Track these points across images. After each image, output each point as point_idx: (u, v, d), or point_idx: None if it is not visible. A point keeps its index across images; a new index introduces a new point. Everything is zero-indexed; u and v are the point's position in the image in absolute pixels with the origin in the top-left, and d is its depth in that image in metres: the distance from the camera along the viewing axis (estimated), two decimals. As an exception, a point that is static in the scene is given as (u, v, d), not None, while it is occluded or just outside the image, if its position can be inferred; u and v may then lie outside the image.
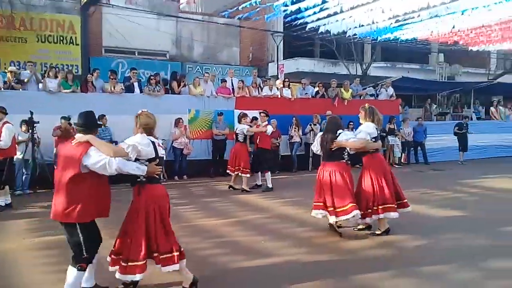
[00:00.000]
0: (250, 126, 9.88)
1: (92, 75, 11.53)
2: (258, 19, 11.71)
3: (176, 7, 19.50)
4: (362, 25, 11.67)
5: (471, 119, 17.55)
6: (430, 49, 21.85)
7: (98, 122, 4.52)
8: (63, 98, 10.39)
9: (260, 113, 10.20)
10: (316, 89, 14.30)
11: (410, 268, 4.85)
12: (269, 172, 9.90)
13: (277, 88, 13.55)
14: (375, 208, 5.90)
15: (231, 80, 13.45)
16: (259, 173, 10.13)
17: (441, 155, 15.77)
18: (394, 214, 5.94)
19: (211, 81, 12.99)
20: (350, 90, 14.51)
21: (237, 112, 12.42)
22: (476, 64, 22.83)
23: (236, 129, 10.10)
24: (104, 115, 9.96)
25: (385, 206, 5.88)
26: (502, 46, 14.56)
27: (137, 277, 3.88)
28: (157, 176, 4.06)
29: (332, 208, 5.86)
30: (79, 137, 3.82)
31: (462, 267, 4.86)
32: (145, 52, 18.52)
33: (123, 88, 11.57)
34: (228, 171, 10.01)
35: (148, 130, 4.09)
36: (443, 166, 14.32)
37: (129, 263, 3.87)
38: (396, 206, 5.97)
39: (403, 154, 15.02)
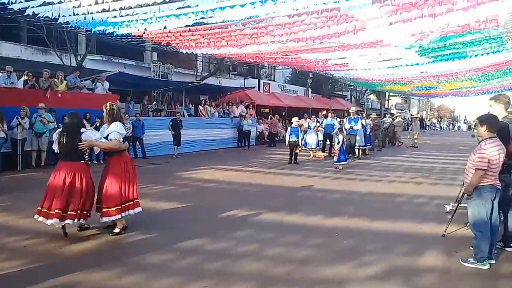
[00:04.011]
0: None
1: None
2: None
3: None
4: (77, 14, 11.00)
5: (183, 115, 19.08)
6: (144, 47, 22.60)
7: None
8: None
9: None
10: (25, 78, 12.76)
11: (134, 261, 4.90)
12: None
13: None
14: (122, 205, 5.78)
15: None
16: None
17: (158, 149, 16.60)
18: (138, 209, 6.00)
19: None
20: (65, 82, 13.58)
21: None
22: (185, 65, 24.98)
23: None
24: None
25: (129, 204, 5.87)
26: (207, 50, 16.34)
27: None
28: None
29: (61, 212, 5.38)
30: None
31: (185, 253, 5.23)
32: None
33: None
34: None
35: None
36: (160, 160, 15.13)
37: None
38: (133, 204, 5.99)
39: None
